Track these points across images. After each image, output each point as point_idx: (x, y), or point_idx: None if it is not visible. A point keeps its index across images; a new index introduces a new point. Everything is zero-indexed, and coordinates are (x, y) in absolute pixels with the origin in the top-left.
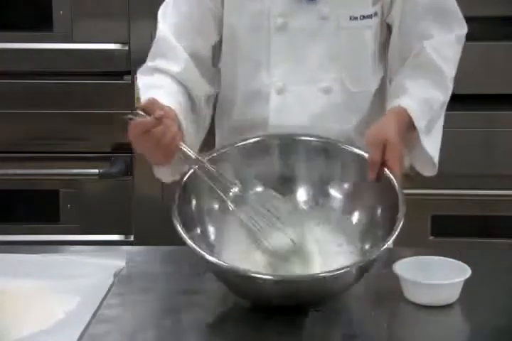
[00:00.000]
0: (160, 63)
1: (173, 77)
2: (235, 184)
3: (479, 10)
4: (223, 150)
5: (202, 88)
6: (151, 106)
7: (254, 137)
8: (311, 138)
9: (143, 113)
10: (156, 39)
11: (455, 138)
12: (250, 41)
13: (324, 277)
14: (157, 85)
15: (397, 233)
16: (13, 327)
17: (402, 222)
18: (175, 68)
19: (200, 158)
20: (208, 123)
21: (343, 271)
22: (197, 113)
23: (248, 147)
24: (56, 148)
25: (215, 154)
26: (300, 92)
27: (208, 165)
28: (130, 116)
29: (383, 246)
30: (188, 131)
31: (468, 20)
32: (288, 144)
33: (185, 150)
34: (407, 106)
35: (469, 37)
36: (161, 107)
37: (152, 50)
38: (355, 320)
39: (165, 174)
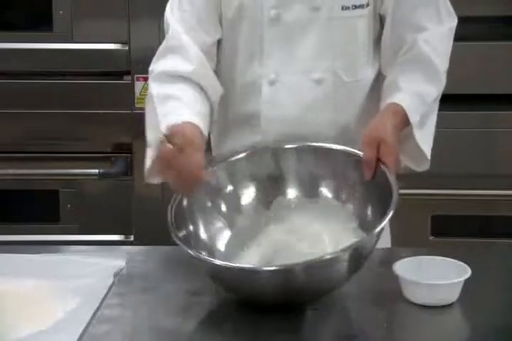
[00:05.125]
0: (172, 62)
1: (187, 79)
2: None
3: (479, 10)
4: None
5: (215, 85)
6: (173, 134)
7: (246, 151)
8: (302, 144)
9: (165, 140)
10: (167, 35)
11: (455, 138)
12: (245, 33)
13: (315, 262)
14: (174, 96)
15: (388, 218)
16: (13, 327)
17: (394, 208)
18: (188, 67)
19: (220, 188)
20: (216, 118)
21: (335, 255)
22: (212, 112)
23: (240, 160)
24: (56, 148)
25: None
26: (293, 83)
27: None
28: (162, 137)
29: (377, 228)
30: (205, 136)
31: (469, 20)
32: (279, 151)
33: (209, 180)
34: (401, 101)
35: (469, 37)
36: (184, 134)
37: (163, 46)
38: (355, 319)
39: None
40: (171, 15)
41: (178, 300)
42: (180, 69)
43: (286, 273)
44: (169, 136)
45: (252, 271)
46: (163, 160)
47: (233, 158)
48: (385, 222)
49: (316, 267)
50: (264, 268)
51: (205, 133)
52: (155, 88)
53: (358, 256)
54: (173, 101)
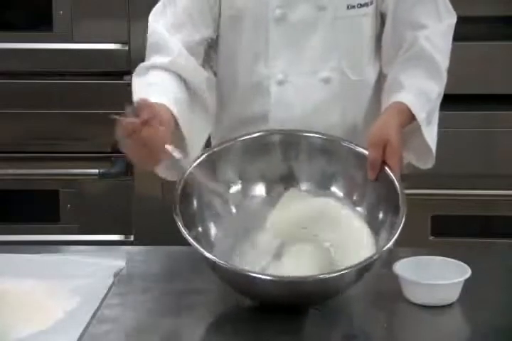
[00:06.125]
0: (153, 58)
1: (165, 69)
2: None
3: (479, 10)
4: (224, 146)
5: (199, 74)
6: (140, 107)
7: (256, 132)
8: (313, 135)
9: (131, 114)
10: (148, 35)
11: (455, 138)
12: (249, 33)
13: (325, 278)
14: (150, 83)
15: (397, 235)
16: (13, 327)
17: (402, 224)
18: (166, 58)
19: (187, 160)
20: (214, 110)
21: (343, 272)
22: (198, 101)
23: (249, 142)
24: (56, 148)
25: (216, 149)
26: (300, 83)
27: (194, 169)
28: (115, 116)
29: (384, 247)
30: (185, 124)
31: (469, 20)
32: (290, 141)
33: (172, 153)
34: (406, 100)
35: (469, 37)
36: (151, 108)
37: (147, 46)
38: (355, 320)
39: (167, 173)
40: (154, 16)
41: (178, 300)
42: (158, 62)
43: (296, 284)
44: (136, 109)
45: (263, 280)
46: (126, 132)
47: (241, 139)
48: (394, 239)
49: (326, 280)
50: (275, 279)
51: (179, 118)
52: (136, 82)
53: (367, 268)
54: (148, 87)
